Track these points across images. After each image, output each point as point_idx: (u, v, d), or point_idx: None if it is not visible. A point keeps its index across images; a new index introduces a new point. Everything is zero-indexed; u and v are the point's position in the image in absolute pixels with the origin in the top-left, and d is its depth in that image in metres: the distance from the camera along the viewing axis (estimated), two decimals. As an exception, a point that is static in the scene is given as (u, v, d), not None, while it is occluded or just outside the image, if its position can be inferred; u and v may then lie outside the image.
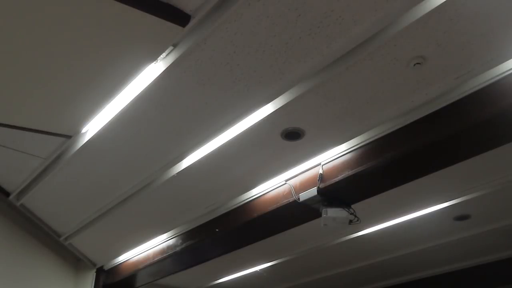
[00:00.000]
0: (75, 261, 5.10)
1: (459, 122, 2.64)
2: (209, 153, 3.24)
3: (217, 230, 3.98)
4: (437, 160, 2.97)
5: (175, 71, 2.62)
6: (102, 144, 3.29)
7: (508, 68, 2.46)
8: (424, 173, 3.09)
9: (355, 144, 3.09)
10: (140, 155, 3.41)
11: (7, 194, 4.23)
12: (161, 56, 2.57)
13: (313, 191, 3.23)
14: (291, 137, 3.07)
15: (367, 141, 3.03)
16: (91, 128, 3.20)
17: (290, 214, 3.56)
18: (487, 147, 2.83)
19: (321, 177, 3.22)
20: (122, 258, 4.95)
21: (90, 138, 3.22)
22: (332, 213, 3.22)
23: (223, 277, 5.88)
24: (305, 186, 3.35)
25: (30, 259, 4.72)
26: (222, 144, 3.14)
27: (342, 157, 3.17)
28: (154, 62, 2.61)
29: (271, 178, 3.55)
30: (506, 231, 4.51)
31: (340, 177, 3.12)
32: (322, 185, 3.20)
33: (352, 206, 3.32)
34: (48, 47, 2.54)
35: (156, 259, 4.50)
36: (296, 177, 3.45)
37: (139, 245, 4.71)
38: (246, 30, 2.34)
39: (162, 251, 4.48)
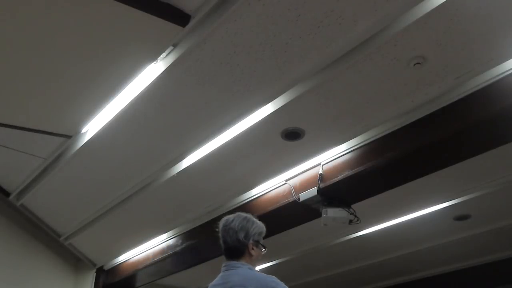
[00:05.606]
0: (75, 261, 5.10)
1: (459, 122, 2.64)
2: (209, 153, 3.23)
3: (217, 230, 3.96)
4: (437, 160, 2.97)
5: (175, 71, 2.62)
6: (102, 144, 3.29)
7: (508, 68, 2.45)
8: (424, 173, 3.09)
9: (355, 144, 3.08)
10: (140, 155, 3.41)
11: (7, 194, 4.23)
12: (161, 56, 2.57)
13: (313, 191, 3.22)
14: (291, 137, 3.07)
15: (367, 141, 3.02)
16: (91, 128, 3.20)
17: (290, 214, 3.55)
18: (487, 147, 2.82)
19: (321, 177, 3.22)
20: (122, 258, 4.95)
21: (90, 138, 3.23)
22: (332, 213, 3.21)
23: (223, 277, 5.87)
24: (305, 186, 3.34)
25: (30, 259, 4.73)
26: (222, 144, 3.14)
27: (342, 157, 3.16)
28: (154, 62, 2.61)
29: (271, 178, 3.54)
30: (506, 231, 4.50)
31: (340, 177, 3.12)
32: (322, 185, 3.20)
33: (352, 206, 3.31)
34: (48, 48, 2.54)
35: (156, 259, 4.50)
36: (296, 177, 3.45)
37: (139, 245, 4.70)
38: (246, 30, 2.34)
39: (162, 251, 4.47)
